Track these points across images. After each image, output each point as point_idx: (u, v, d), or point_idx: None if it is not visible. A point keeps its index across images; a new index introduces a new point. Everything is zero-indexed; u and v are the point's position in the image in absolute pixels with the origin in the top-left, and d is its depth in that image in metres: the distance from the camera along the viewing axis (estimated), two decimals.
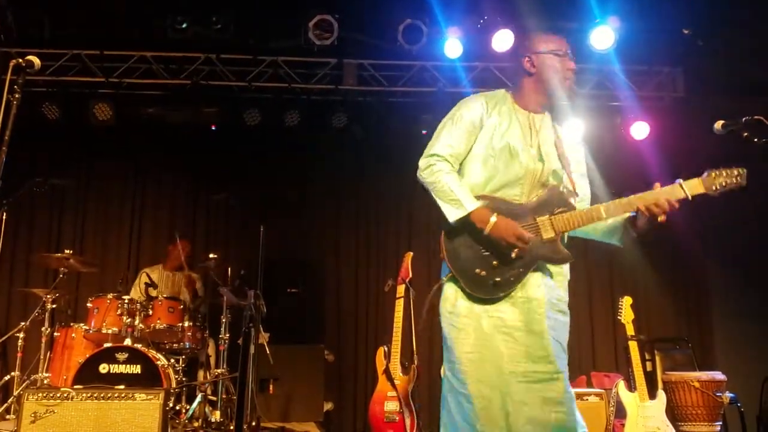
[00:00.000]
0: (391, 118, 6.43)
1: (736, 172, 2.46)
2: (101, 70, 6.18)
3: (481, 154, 2.55)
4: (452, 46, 5.86)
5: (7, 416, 5.02)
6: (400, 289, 4.58)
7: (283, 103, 6.33)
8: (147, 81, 6.28)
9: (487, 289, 2.45)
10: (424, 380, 4.61)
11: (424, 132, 6.66)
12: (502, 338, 2.42)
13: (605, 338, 6.64)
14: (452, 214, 2.46)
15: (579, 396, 4.50)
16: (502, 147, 2.51)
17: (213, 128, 6.67)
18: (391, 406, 4.32)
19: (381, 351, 4.52)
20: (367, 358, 6.32)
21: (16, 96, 2.63)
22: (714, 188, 2.47)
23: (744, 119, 2.67)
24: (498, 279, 2.44)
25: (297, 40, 5.85)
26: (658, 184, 2.48)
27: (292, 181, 6.77)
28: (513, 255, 2.41)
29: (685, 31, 5.78)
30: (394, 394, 4.31)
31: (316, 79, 6.32)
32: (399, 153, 6.41)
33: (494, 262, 2.45)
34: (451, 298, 2.51)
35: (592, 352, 6.65)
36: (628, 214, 2.56)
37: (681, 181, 2.46)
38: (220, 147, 6.74)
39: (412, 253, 4.72)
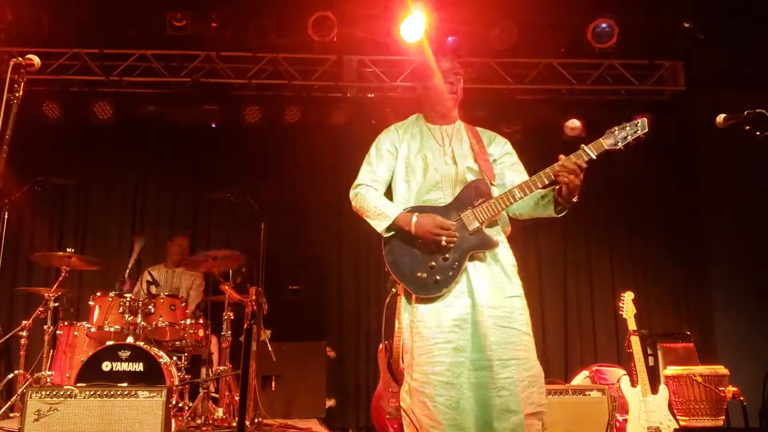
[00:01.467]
0: (391, 113, 6.42)
1: (637, 122, 2.59)
2: (101, 68, 6.19)
3: (402, 172, 2.83)
4: (452, 41, 5.86)
5: (11, 414, 5.04)
6: (401, 285, 4.57)
7: (283, 99, 6.32)
8: (147, 79, 6.28)
9: (430, 289, 2.63)
10: None
11: None
12: (450, 331, 2.59)
13: (607, 333, 6.64)
14: (380, 226, 2.74)
15: (580, 391, 4.50)
16: (418, 160, 2.79)
17: (213, 126, 6.67)
18: (394, 401, 4.32)
19: (383, 347, 4.52)
20: (368, 354, 6.33)
21: (17, 95, 2.64)
22: (616, 143, 2.60)
23: (745, 112, 2.67)
24: (438, 277, 2.63)
25: (297, 36, 5.84)
26: (561, 156, 2.61)
27: (293, 178, 6.77)
28: (444, 243, 2.59)
29: (686, 25, 5.77)
30: (396, 390, 4.31)
31: (316, 76, 6.31)
32: None
33: (431, 263, 2.64)
34: (409, 307, 2.73)
35: (594, 347, 6.66)
36: (553, 188, 2.66)
37: (583, 145, 2.59)
38: (220, 144, 6.74)
39: None
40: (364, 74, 6.32)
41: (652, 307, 6.58)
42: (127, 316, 5.07)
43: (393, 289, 2.79)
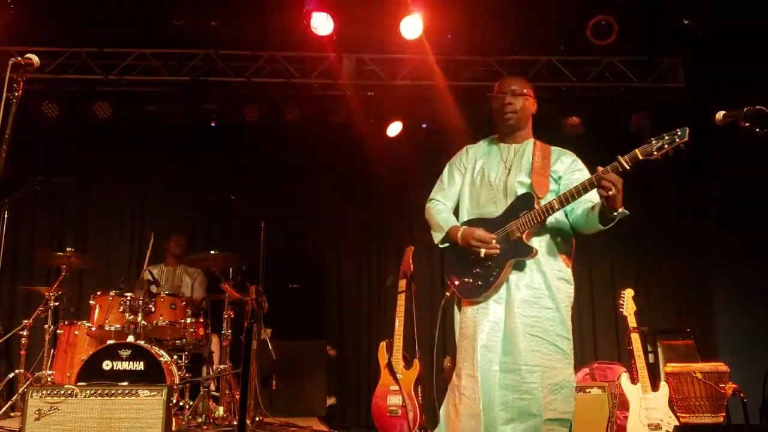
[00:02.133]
0: (390, 112, 6.43)
1: (677, 132, 2.61)
2: (100, 67, 6.17)
3: (467, 188, 3.07)
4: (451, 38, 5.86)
5: (12, 414, 5.05)
6: (402, 284, 4.58)
7: (282, 98, 6.32)
8: (146, 78, 6.26)
9: (474, 293, 2.86)
10: (426, 374, 4.61)
11: (423, 126, 6.66)
12: (488, 334, 2.79)
13: (607, 330, 6.64)
14: (436, 237, 3.06)
15: (581, 388, 4.50)
16: (479, 177, 3.03)
17: (213, 124, 6.66)
18: (394, 399, 4.33)
19: (383, 345, 4.53)
20: (369, 352, 6.33)
21: (16, 94, 2.63)
22: (652, 154, 2.64)
23: (745, 109, 2.67)
24: (480, 282, 2.84)
25: (296, 34, 5.83)
26: (599, 168, 2.67)
27: (292, 177, 6.76)
28: (482, 255, 2.80)
29: (686, 21, 5.77)
30: (396, 388, 4.32)
31: (315, 74, 6.30)
32: (399, 147, 6.43)
33: (476, 270, 2.86)
34: (458, 312, 2.97)
35: (594, 344, 6.66)
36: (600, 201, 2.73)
37: (619, 156, 2.65)
38: (220, 143, 6.74)
39: (413, 248, 4.71)
40: (363, 72, 6.31)
41: (653, 304, 6.58)
42: (127, 315, 5.07)
43: (447, 293, 2.99)
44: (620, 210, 2.68)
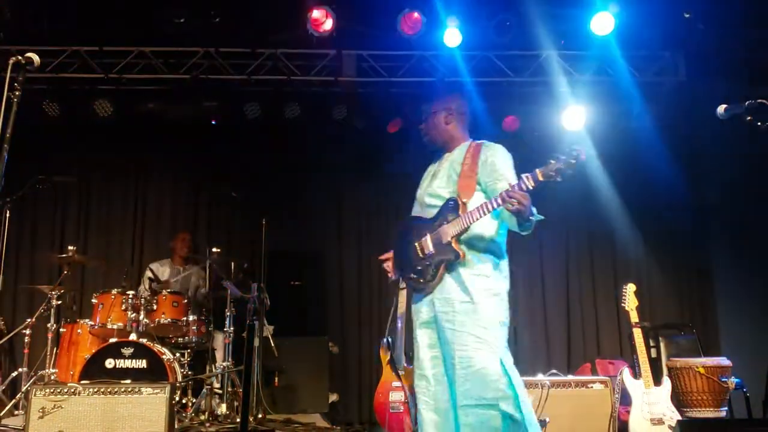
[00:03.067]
0: (390, 108, 6.42)
1: (574, 151, 2.58)
2: (100, 66, 6.17)
3: None
4: (451, 35, 5.85)
5: (16, 412, 5.06)
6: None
7: (283, 95, 6.31)
8: (147, 76, 6.26)
9: (416, 290, 3.06)
10: None
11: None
12: (421, 331, 3.03)
13: (609, 325, 6.65)
14: None
15: (583, 383, 4.51)
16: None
17: (213, 122, 6.66)
18: (396, 396, 4.33)
19: (385, 342, 4.53)
20: (371, 349, 6.33)
21: (17, 93, 2.64)
22: (550, 175, 2.63)
23: (747, 103, 2.67)
24: (421, 281, 2.99)
25: (296, 31, 5.83)
26: (523, 176, 2.72)
27: (293, 174, 6.76)
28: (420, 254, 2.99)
29: (686, 15, 5.75)
30: (398, 384, 4.32)
31: (315, 71, 6.30)
32: (399, 144, 6.43)
33: (418, 267, 3.01)
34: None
35: (597, 339, 6.67)
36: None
37: (524, 175, 2.69)
38: (221, 141, 6.74)
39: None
40: (363, 69, 6.30)
41: (654, 299, 6.58)
42: (129, 313, 5.09)
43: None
44: (532, 218, 2.73)
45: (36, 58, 2.72)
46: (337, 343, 6.20)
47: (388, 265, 3.23)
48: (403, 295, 4.49)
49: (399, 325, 4.42)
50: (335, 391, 6.00)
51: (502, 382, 2.74)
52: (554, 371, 4.81)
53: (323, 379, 5.78)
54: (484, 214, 2.82)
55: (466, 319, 2.84)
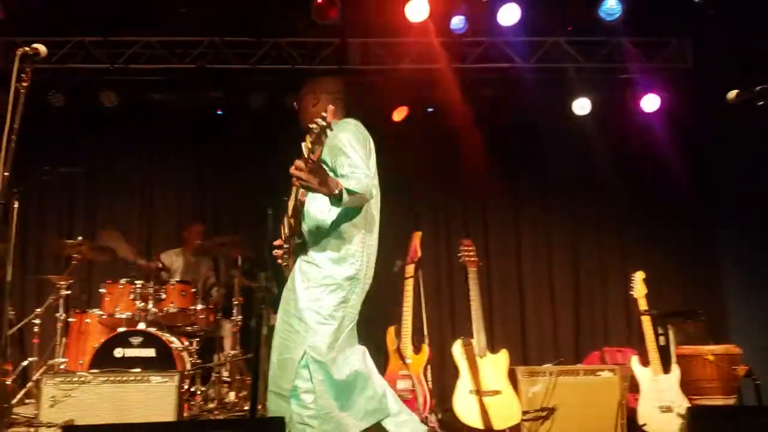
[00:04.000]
0: (394, 96, 6.40)
1: (318, 120, 2.47)
2: (106, 56, 6.16)
3: None
4: (457, 22, 5.82)
5: (27, 401, 5.10)
6: (409, 269, 4.57)
7: (287, 84, 6.29)
8: (152, 66, 6.25)
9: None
10: (435, 359, 4.62)
11: (430, 110, 6.62)
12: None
13: (618, 314, 6.63)
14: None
15: (591, 371, 4.50)
16: None
17: (219, 112, 6.66)
18: (403, 384, 4.34)
19: (391, 330, 4.53)
20: (376, 338, 6.27)
21: (24, 84, 2.63)
22: (309, 148, 2.56)
23: (758, 88, 2.65)
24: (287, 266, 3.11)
25: (300, 20, 5.79)
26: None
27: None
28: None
29: (696, 0, 5.69)
30: (406, 372, 4.33)
31: (319, 60, 6.27)
32: (403, 132, 6.40)
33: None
34: None
35: (605, 327, 6.66)
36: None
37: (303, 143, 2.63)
38: (226, 130, 6.73)
39: (420, 233, 4.69)
40: (368, 57, 6.26)
41: (663, 286, 6.54)
42: (138, 302, 5.11)
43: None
44: (336, 192, 2.65)
45: (42, 48, 2.71)
46: None
47: None
48: (409, 284, 4.49)
49: (405, 313, 4.43)
50: None
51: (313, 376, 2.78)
52: (562, 359, 4.81)
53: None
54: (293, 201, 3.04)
55: (290, 308, 2.97)
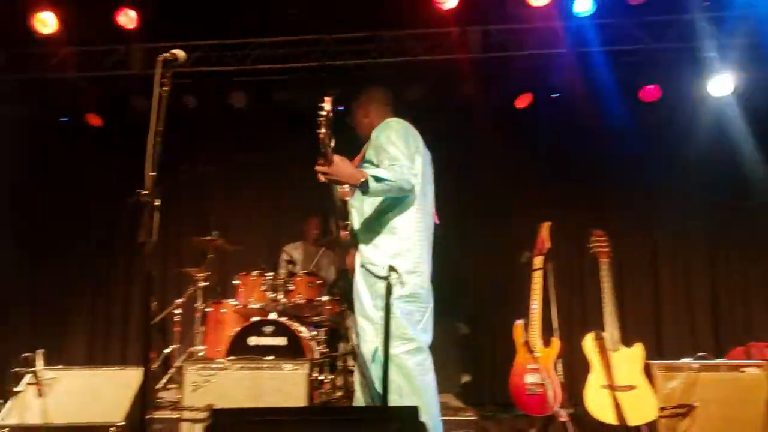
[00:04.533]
0: (517, 83, 6.25)
1: (319, 111, 2.65)
2: (234, 59, 6.41)
3: None
4: (582, 3, 5.58)
5: (169, 386, 5.45)
6: (538, 261, 4.45)
7: (408, 76, 6.30)
8: (276, 66, 6.41)
9: None
10: (566, 352, 4.49)
11: (555, 96, 6.42)
12: None
13: (762, 308, 6.16)
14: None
15: (735, 367, 4.21)
16: None
17: (341, 108, 6.76)
18: (532, 378, 4.25)
19: (518, 325, 4.44)
20: (503, 330, 6.14)
21: (165, 89, 2.78)
22: (323, 140, 2.73)
23: None
24: None
25: (420, 10, 5.76)
26: None
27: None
28: None
29: None
30: (534, 366, 4.24)
31: (440, 50, 6.20)
32: (529, 120, 6.24)
33: None
34: None
35: (748, 322, 6.21)
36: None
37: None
38: (347, 125, 6.83)
39: (549, 223, 4.55)
40: (489, 45, 6.12)
41: None
42: (269, 293, 5.32)
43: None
44: (359, 182, 2.79)
45: (181, 54, 2.84)
46: (467, 323, 6.15)
47: None
48: (538, 276, 4.38)
49: (534, 306, 4.33)
50: (467, 372, 5.97)
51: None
52: (704, 354, 4.52)
53: (454, 359, 5.76)
54: (334, 198, 3.13)
55: (358, 306, 3.14)
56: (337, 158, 2.74)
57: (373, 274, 2.99)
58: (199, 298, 5.82)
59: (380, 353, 2.84)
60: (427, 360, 3.03)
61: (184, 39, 6.18)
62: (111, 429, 3.75)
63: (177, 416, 3.90)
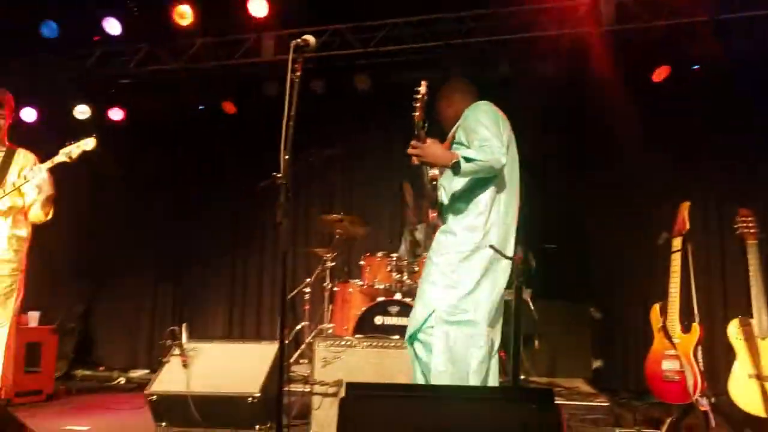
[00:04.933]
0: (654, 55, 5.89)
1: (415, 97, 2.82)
2: (359, 41, 6.49)
3: None
4: None
5: (300, 361, 5.68)
6: (677, 242, 4.18)
7: (536, 53, 6.11)
8: (400, 47, 6.41)
9: None
10: (708, 338, 4.22)
11: (695, 68, 6.01)
12: None
13: None
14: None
15: None
16: None
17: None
18: (670, 364, 4.03)
19: (656, 308, 4.21)
20: (637, 315, 5.89)
21: (297, 75, 2.86)
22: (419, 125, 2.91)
23: None
24: None
25: None
26: None
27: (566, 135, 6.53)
28: None
29: None
30: (673, 352, 4.01)
31: (570, 23, 5.91)
32: (668, 94, 5.86)
33: None
34: None
35: None
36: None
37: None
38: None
39: (689, 203, 4.26)
40: (624, 16, 5.77)
41: None
42: (394, 274, 5.39)
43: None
44: (451, 163, 2.92)
45: (312, 39, 2.90)
46: (599, 307, 5.93)
47: None
48: (676, 258, 4.14)
49: (673, 290, 4.09)
50: (598, 357, 5.78)
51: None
52: None
53: (585, 343, 5.60)
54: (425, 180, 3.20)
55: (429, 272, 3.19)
56: (429, 140, 2.88)
57: (447, 244, 3.09)
58: (327, 277, 6.00)
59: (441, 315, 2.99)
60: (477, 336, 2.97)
61: (310, 24, 6.38)
62: (249, 399, 3.94)
63: (308, 389, 4.04)
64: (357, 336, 4.53)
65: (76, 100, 7.20)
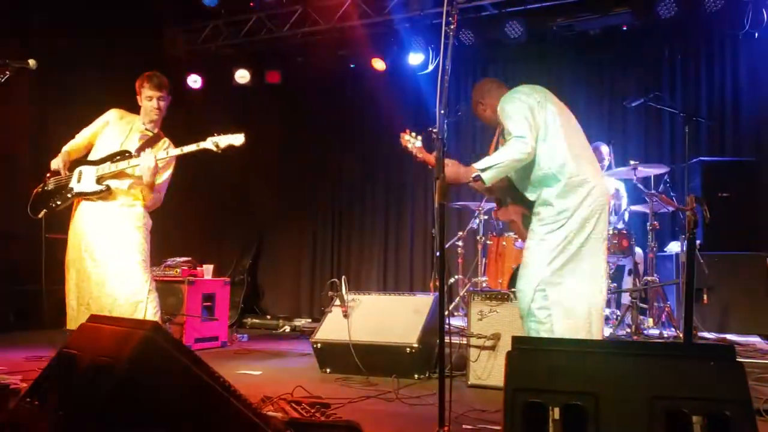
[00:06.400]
0: None
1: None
2: None
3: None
4: None
5: (455, 314, 5.75)
6: None
7: None
8: None
9: None
10: None
11: None
12: None
13: None
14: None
15: None
16: None
17: (624, 28, 6.31)
18: None
19: None
20: None
21: (452, 27, 2.82)
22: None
23: None
24: None
25: None
26: None
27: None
28: None
29: None
30: None
31: None
32: None
33: None
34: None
35: None
36: None
37: None
38: (630, 49, 6.37)
39: None
40: None
41: None
42: None
43: None
44: (472, 178, 3.06)
45: None
46: None
47: None
48: None
49: None
50: None
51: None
52: None
53: (760, 297, 5.16)
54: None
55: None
56: (448, 162, 2.85)
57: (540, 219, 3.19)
58: (480, 230, 5.99)
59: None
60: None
61: None
62: (408, 350, 4.04)
63: (464, 342, 4.07)
64: (512, 290, 4.49)
65: (237, 65, 7.60)
